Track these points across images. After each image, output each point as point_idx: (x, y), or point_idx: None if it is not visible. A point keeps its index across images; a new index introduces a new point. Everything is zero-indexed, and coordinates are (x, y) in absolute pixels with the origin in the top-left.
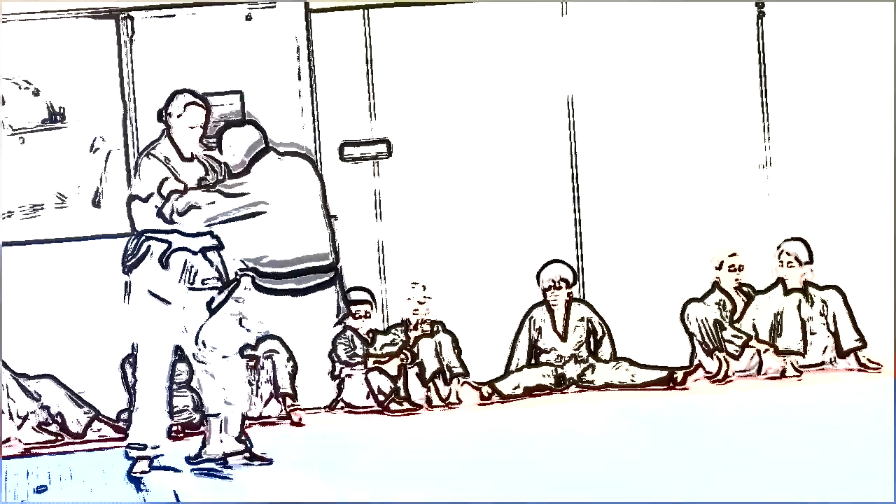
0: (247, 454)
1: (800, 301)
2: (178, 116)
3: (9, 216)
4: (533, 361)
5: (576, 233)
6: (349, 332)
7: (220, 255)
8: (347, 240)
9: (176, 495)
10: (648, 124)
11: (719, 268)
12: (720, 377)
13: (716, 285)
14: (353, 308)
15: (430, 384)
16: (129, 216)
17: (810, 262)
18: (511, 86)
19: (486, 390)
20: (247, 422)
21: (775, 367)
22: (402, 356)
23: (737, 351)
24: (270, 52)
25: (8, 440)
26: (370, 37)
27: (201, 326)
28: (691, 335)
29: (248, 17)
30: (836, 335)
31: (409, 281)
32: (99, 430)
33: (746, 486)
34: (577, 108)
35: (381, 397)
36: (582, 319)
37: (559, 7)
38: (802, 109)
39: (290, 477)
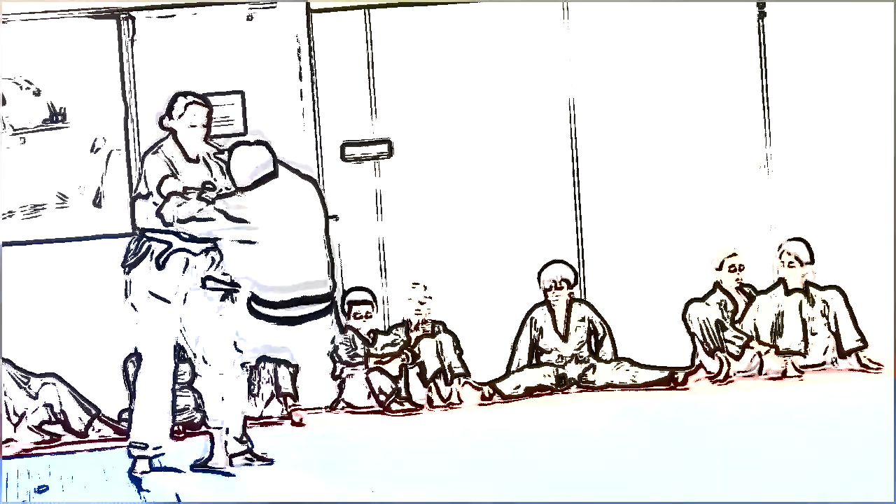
0: (248, 454)
1: (801, 301)
2: (180, 117)
3: (10, 216)
4: (534, 362)
5: (577, 233)
6: (350, 333)
7: (220, 254)
8: (348, 240)
9: (177, 496)
10: (649, 124)
11: (719, 268)
12: (721, 377)
13: (717, 285)
14: (355, 308)
15: (431, 384)
16: (132, 216)
17: (811, 262)
18: (512, 85)
19: (487, 390)
20: (248, 422)
21: (776, 367)
22: (403, 356)
23: (737, 352)
24: (271, 52)
25: (8, 441)
26: (371, 37)
27: (197, 338)
28: (693, 335)
29: (250, 17)
30: (837, 335)
31: (410, 281)
32: (99, 430)
33: (747, 486)
34: (578, 108)
35: (382, 397)
36: (583, 319)
37: (560, 7)
38: (803, 110)
39: (290, 477)
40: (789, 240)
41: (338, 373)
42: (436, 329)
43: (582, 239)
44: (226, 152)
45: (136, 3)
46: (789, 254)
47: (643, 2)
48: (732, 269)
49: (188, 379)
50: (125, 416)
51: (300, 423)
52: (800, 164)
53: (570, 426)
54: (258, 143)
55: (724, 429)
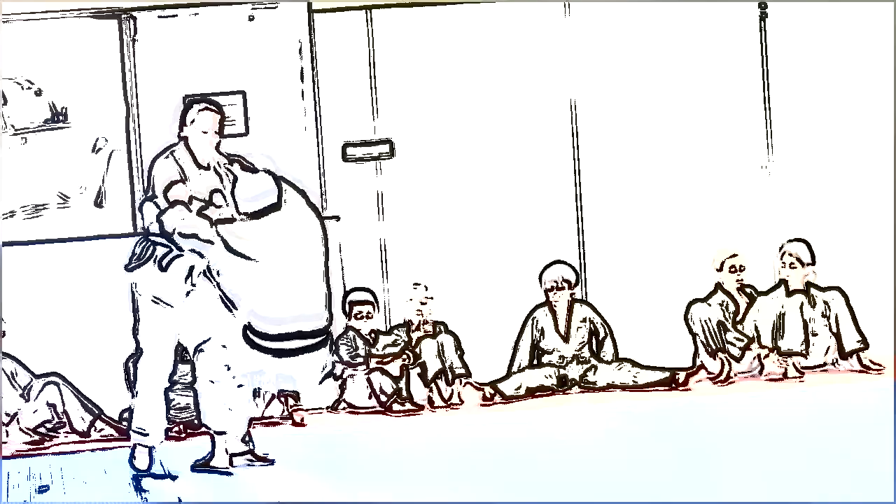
0: (249, 455)
1: (802, 302)
2: (191, 122)
3: (11, 216)
4: (535, 362)
5: (578, 233)
6: (351, 333)
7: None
8: (349, 240)
9: (178, 498)
10: (650, 125)
11: (720, 269)
12: (722, 378)
13: (718, 286)
14: (356, 308)
15: (433, 385)
16: (134, 216)
17: (812, 263)
18: (514, 86)
19: (488, 391)
20: (252, 421)
21: (776, 371)
22: (405, 357)
23: (738, 354)
24: (273, 52)
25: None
26: (373, 37)
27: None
28: (695, 336)
29: (251, 18)
30: (838, 336)
31: (412, 281)
32: (101, 430)
33: (748, 487)
34: (579, 108)
35: (383, 398)
36: (584, 320)
37: (562, 8)
38: (804, 111)
39: (291, 477)
40: (790, 241)
41: (339, 373)
42: (437, 329)
43: (583, 239)
44: (235, 163)
45: (137, 4)
46: (790, 255)
47: (645, 2)
48: (733, 269)
49: (190, 381)
50: (126, 415)
51: (301, 424)
52: (801, 165)
53: (571, 427)
54: (266, 171)
55: (725, 429)
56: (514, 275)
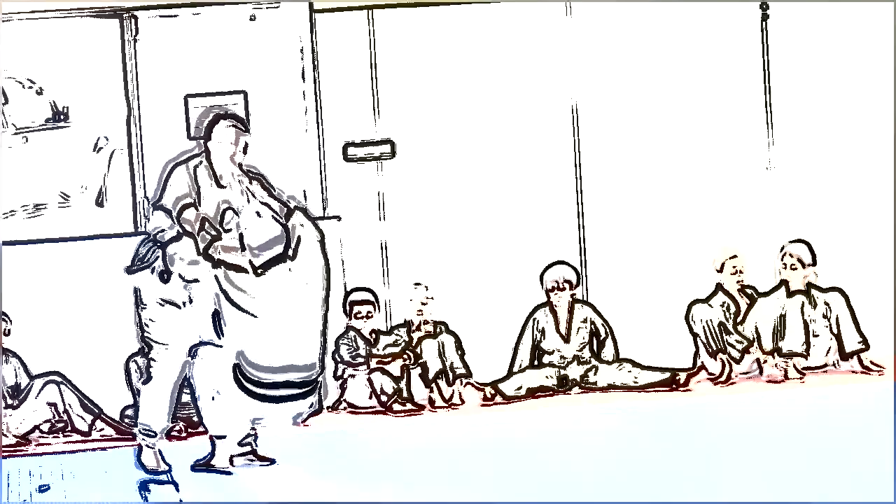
0: (250, 455)
1: (803, 303)
2: (216, 137)
3: (11, 215)
4: (536, 363)
5: (579, 234)
6: (352, 333)
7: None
8: (350, 240)
9: (179, 499)
10: (651, 125)
11: (720, 270)
12: (723, 379)
13: (719, 287)
14: (356, 308)
15: (433, 385)
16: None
17: (813, 264)
18: (515, 86)
19: (488, 391)
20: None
21: (776, 374)
22: (405, 357)
23: (738, 356)
24: (274, 52)
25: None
26: (374, 37)
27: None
28: (696, 336)
29: (252, 18)
30: (838, 337)
31: (413, 282)
32: (101, 429)
33: (748, 487)
34: (581, 108)
35: (383, 398)
36: (585, 321)
37: (563, 8)
38: (806, 111)
39: (291, 477)
40: (791, 242)
41: (340, 373)
42: (438, 330)
43: (584, 240)
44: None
45: (138, 3)
46: (791, 256)
47: (646, 3)
48: (734, 270)
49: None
50: (127, 413)
51: (302, 423)
52: (802, 165)
53: (571, 427)
54: (274, 220)
55: (725, 430)
56: (514, 275)
